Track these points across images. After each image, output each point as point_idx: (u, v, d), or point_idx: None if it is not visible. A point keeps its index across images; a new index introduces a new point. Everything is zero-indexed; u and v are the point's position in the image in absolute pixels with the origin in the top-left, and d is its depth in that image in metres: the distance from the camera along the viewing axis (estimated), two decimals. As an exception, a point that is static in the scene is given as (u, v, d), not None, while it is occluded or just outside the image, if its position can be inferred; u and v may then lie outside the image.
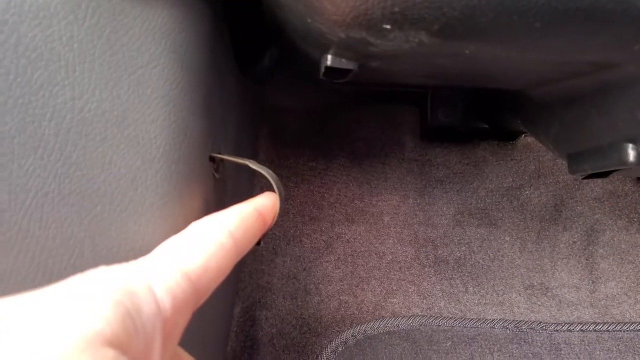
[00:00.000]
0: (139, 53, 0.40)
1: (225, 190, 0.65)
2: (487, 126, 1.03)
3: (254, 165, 0.53)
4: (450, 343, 0.90)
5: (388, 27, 0.38)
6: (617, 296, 1.01)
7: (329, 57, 0.48)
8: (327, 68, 0.49)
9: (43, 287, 0.38)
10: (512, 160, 1.07)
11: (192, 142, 0.46)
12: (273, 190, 0.48)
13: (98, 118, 0.38)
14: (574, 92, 0.59)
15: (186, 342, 0.48)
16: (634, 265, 1.04)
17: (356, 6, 0.37)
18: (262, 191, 1.01)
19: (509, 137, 1.07)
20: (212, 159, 0.54)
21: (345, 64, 0.49)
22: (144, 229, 0.42)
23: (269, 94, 1.07)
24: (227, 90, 0.63)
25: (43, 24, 0.35)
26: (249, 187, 0.98)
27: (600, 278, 1.02)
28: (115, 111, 0.39)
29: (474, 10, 0.35)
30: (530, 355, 0.90)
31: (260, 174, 1.01)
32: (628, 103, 0.51)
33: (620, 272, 1.03)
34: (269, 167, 1.05)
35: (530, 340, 0.92)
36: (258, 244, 0.55)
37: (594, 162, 0.63)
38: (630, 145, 0.56)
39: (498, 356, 0.89)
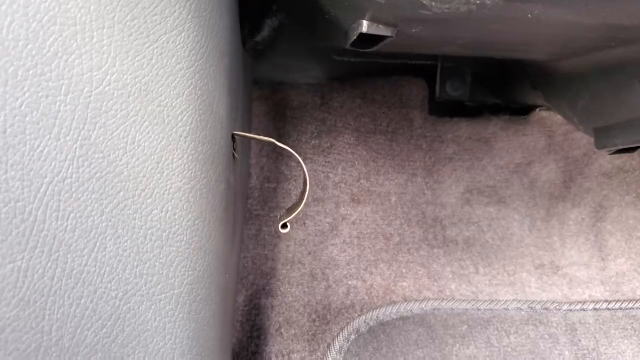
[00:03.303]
0: (162, 17, 0.35)
1: (237, 172, 0.61)
2: (497, 100, 0.99)
3: (279, 144, 0.49)
4: (466, 327, 0.87)
5: (450, -15, 0.34)
6: (627, 273, 0.99)
7: (365, 23, 0.44)
8: (361, 35, 0.45)
9: (62, 285, 0.34)
10: (523, 135, 1.04)
11: (218, 119, 0.42)
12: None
13: (119, 92, 0.33)
14: (614, 61, 0.55)
15: (191, 335, 0.43)
16: None
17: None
18: (261, 171, 0.97)
19: (522, 111, 1.03)
20: (233, 138, 0.50)
21: (382, 30, 0.44)
22: (170, 217, 0.37)
23: (267, 68, 1.02)
24: (238, 62, 0.58)
25: (55, -19, 0.30)
26: (248, 168, 0.93)
27: (610, 255, 1.00)
28: (138, 84, 0.34)
29: None
30: (546, 336, 0.88)
31: (259, 152, 0.96)
32: (682, 72, 0.48)
33: (629, 248, 1.01)
34: (269, 146, 1.00)
35: (545, 321, 0.90)
36: (284, 227, 0.51)
37: (627, 136, 0.60)
38: (674, 117, 0.53)
39: (515, 338, 0.87)
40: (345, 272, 0.93)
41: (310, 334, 0.87)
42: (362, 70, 1.02)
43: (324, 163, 0.98)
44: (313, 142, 0.99)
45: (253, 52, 0.87)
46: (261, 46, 0.86)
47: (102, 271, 0.34)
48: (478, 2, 0.35)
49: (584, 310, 0.92)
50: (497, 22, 0.41)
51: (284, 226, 0.49)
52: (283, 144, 1.01)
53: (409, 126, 1.02)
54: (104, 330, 0.35)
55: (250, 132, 0.97)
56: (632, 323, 0.92)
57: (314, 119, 1.00)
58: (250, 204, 0.95)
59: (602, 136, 0.65)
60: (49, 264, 0.32)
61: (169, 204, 0.37)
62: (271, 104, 1.01)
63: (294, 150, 1.00)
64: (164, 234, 0.37)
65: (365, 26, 0.44)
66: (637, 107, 0.56)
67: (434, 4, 0.36)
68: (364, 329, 0.85)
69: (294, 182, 0.98)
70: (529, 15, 0.38)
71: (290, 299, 0.90)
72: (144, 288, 0.36)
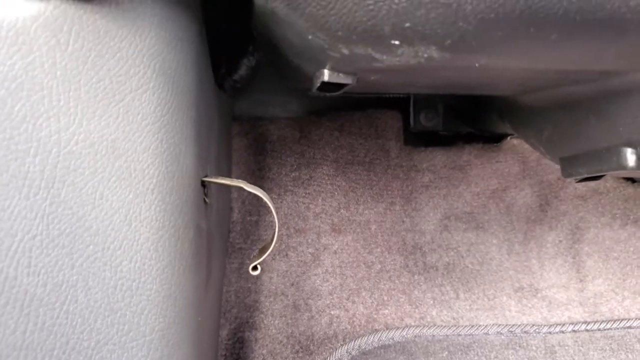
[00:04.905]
0: (127, 77, 0.37)
1: (211, 215, 0.62)
2: (470, 129, 1.01)
3: (247, 187, 0.50)
4: (446, 353, 0.89)
5: (396, 42, 0.36)
6: (605, 293, 1.01)
7: (326, 72, 0.46)
8: (323, 83, 0.47)
9: (34, 339, 0.35)
10: (496, 162, 1.06)
11: (185, 169, 0.43)
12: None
13: (86, 150, 0.35)
14: (570, 97, 0.58)
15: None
16: (619, 261, 1.04)
17: (363, 21, 0.34)
18: (242, 204, 0.99)
19: (494, 139, 1.06)
20: (202, 184, 0.51)
21: (342, 78, 0.46)
22: (139, 267, 0.39)
23: (246, 104, 1.04)
24: (209, 107, 0.60)
25: (22, 50, 0.32)
26: (228, 208, 0.95)
27: (587, 276, 1.02)
28: (104, 142, 0.36)
29: (490, 24, 0.33)
30: (526, 359, 0.89)
31: (238, 193, 0.96)
32: (631, 108, 0.50)
33: (605, 268, 1.03)
34: (250, 179, 1.01)
35: (524, 344, 0.91)
36: (255, 268, 0.53)
37: (589, 166, 0.62)
38: (629, 150, 0.55)
39: (494, 363, 0.88)
40: (328, 302, 0.94)
41: None
42: (339, 103, 1.04)
43: (304, 194, 1.00)
44: (293, 174, 1.01)
45: (231, 90, 0.89)
46: (239, 84, 0.88)
47: (74, 322, 0.35)
48: (425, 55, 0.37)
49: (562, 332, 0.94)
50: (447, 70, 0.43)
51: (255, 268, 0.51)
52: (264, 176, 1.03)
53: (385, 156, 1.04)
54: (76, 379, 0.36)
55: (230, 168, 0.99)
56: (610, 343, 0.93)
57: (293, 152, 1.02)
58: (232, 238, 0.96)
59: (567, 165, 0.67)
60: (21, 319, 0.33)
61: (138, 254, 0.38)
62: (251, 139, 1.03)
63: (274, 183, 1.02)
64: (134, 283, 0.38)
65: (326, 75, 0.46)
66: (594, 139, 0.58)
67: (385, 57, 0.38)
68: (345, 359, 0.86)
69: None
70: (477, 64, 0.40)
71: (273, 330, 0.91)
72: (116, 336, 0.38)
